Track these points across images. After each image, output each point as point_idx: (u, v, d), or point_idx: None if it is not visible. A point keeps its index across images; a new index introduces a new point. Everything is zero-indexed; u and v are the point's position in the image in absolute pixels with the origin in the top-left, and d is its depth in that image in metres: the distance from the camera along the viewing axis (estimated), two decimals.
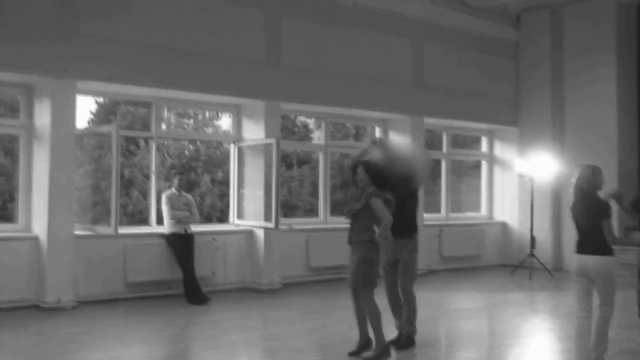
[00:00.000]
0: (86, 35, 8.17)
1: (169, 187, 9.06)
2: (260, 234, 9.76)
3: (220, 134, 12.51)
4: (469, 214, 13.46)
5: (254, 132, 9.93)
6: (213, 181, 14.78)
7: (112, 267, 8.65)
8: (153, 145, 9.63)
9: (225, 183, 12.04)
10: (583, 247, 5.48)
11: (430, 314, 7.83)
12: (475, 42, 12.41)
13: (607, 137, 11.90)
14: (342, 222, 11.29)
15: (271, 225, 9.19)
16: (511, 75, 13.07)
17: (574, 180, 5.55)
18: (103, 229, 8.13)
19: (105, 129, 8.89)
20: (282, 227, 9.58)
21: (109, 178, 8.00)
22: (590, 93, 12.19)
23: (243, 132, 10.18)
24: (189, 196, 9.24)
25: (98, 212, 8.33)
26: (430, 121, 12.04)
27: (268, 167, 9.29)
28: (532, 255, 11.74)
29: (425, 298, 8.17)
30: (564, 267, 12.30)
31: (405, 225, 6.30)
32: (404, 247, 6.36)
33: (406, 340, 6.36)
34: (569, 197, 5.62)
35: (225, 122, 11.76)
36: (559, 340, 7.03)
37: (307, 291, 9.72)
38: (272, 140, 9.25)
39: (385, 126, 11.89)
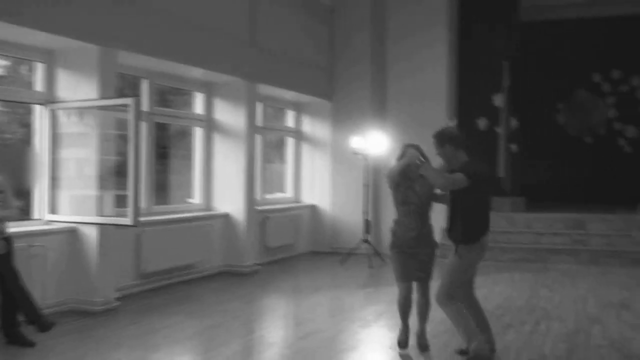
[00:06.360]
0: None
1: None
2: (90, 233, 6.94)
3: (25, 93, 6.91)
4: (278, 195, 11.88)
5: (79, 89, 7.00)
6: None
7: None
8: None
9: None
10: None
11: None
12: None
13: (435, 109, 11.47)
14: (167, 212, 8.96)
15: (128, 221, 6.51)
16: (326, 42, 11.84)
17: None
18: None
19: None
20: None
21: None
22: (417, 64, 11.65)
23: (58, 89, 7.12)
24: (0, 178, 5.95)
25: None
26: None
27: (119, 139, 6.58)
28: (366, 240, 10.73)
29: None
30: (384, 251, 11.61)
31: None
32: None
33: None
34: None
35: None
36: None
37: (144, 307, 7.20)
38: (129, 101, 6.50)
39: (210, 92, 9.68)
